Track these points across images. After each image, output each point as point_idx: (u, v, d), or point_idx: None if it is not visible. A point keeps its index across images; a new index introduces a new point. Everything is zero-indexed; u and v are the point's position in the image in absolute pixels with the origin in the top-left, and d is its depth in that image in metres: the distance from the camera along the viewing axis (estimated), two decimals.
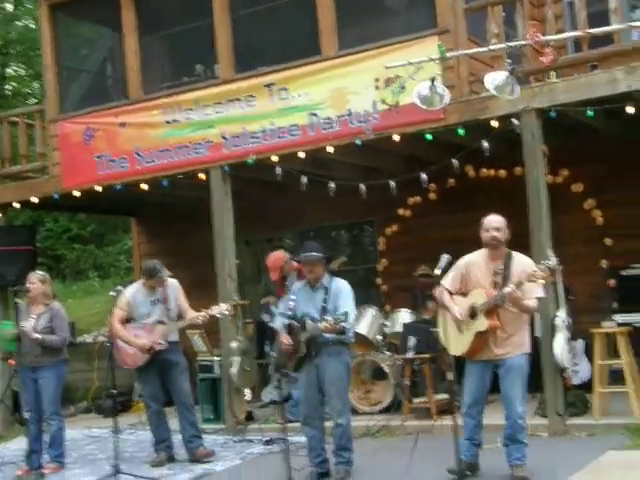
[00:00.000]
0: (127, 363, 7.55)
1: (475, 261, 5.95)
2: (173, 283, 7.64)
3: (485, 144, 7.59)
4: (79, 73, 11.09)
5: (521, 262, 5.85)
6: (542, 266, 5.59)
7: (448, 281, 6.03)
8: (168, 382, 7.54)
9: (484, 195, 9.72)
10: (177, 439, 7.64)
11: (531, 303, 5.79)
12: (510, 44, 5.22)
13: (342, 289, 6.40)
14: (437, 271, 5.71)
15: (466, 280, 5.92)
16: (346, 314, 6.05)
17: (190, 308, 7.57)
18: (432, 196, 9.96)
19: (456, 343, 5.88)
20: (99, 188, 9.50)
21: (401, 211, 10.27)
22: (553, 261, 6.98)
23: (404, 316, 8.82)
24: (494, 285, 5.82)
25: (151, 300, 7.49)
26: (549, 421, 7.17)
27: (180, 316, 7.57)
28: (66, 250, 19.04)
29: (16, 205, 10.29)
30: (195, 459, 7.37)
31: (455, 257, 9.68)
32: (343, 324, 6.05)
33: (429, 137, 7.99)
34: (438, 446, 6.42)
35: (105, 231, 19.53)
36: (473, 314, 5.81)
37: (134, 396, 11.08)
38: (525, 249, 6.42)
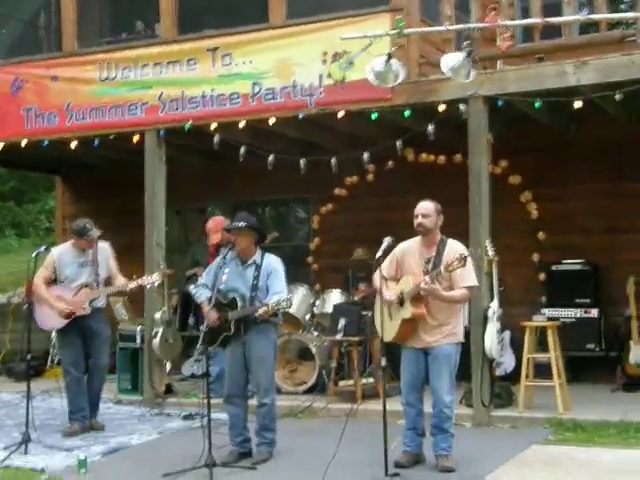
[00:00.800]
0: (46, 325, 7.27)
1: (410, 248, 5.84)
2: (104, 246, 7.34)
3: (430, 128, 7.46)
4: (10, 20, 10.51)
5: (453, 249, 5.71)
6: (457, 255, 5.44)
7: (385, 267, 5.90)
8: (89, 349, 7.25)
9: (422, 180, 9.66)
10: None
11: (456, 294, 5.65)
12: (469, 26, 5.05)
13: (274, 267, 6.17)
14: (378, 254, 5.55)
15: (400, 266, 5.81)
16: (288, 300, 5.87)
17: (119, 274, 7.29)
18: (370, 177, 9.80)
19: (386, 329, 5.75)
20: (24, 143, 9.03)
21: (337, 190, 10.10)
22: (490, 252, 7.00)
23: (335, 297, 8.67)
24: (425, 272, 5.70)
25: (79, 262, 7.18)
26: (474, 411, 7.13)
27: (108, 281, 7.26)
28: None
29: None
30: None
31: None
32: (283, 310, 5.90)
33: (374, 116, 7.82)
34: (362, 430, 6.30)
35: (26, 188, 18.81)
36: (401, 301, 5.69)
37: (48, 361, 10.72)
38: (462, 237, 6.30)
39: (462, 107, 7.22)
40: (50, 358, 10.74)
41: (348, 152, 8.60)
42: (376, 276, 5.89)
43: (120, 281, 7.20)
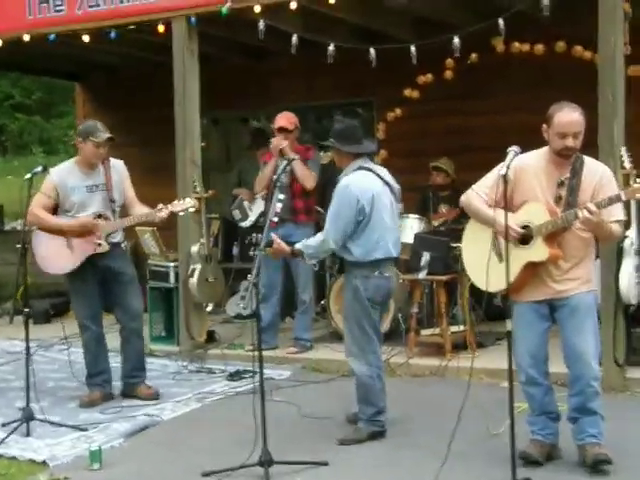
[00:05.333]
0: (53, 267, 5.68)
1: (530, 165, 4.15)
2: (118, 165, 5.73)
3: (546, 1, 5.65)
4: None
5: (595, 171, 4.13)
6: None
7: (483, 187, 4.26)
8: (111, 297, 5.74)
9: (513, 77, 7.97)
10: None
11: (615, 227, 4.11)
12: None
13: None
14: (502, 170, 3.84)
15: (513, 190, 4.10)
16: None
17: (137, 200, 5.72)
18: (448, 74, 7.98)
19: (494, 274, 3.97)
20: (27, 37, 7.37)
21: (408, 92, 8.26)
22: (628, 164, 5.34)
23: (412, 223, 6.93)
24: (558, 199, 4.09)
25: (87, 185, 5.57)
26: (604, 372, 5.43)
27: (124, 210, 5.69)
28: (8, 120, 16.75)
29: None
30: (133, 396, 5.70)
31: (468, 153, 8.07)
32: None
33: None
34: (457, 396, 4.61)
35: (53, 101, 17.17)
36: (525, 237, 4.08)
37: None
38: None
39: None
40: None
41: (418, 40, 6.84)
42: (468, 197, 4.30)
43: (140, 209, 5.62)
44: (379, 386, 4.75)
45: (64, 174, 5.61)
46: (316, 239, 4.77)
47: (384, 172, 4.96)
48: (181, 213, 5.72)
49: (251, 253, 8.14)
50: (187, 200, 5.66)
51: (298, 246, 4.76)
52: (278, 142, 6.60)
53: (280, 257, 5.10)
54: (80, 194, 5.55)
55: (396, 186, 4.99)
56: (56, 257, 5.60)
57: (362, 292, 4.69)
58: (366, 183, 4.74)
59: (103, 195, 5.60)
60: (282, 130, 6.69)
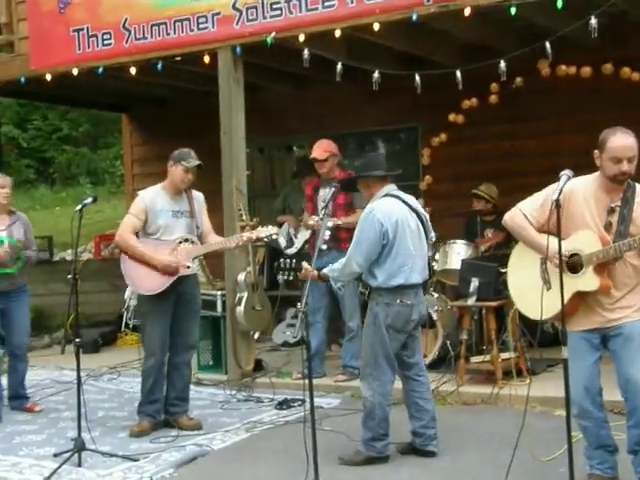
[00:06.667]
0: (144, 287, 5.59)
1: (581, 190, 3.99)
2: (198, 196, 5.81)
3: (593, 21, 5.59)
4: None
5: None
6: None
7: (530, 208, 4.10)
8: (176, 322, 5.66)
9: (560, 100, 7.89)
10: None
11: None
12: None
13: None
14: (554, 194, 3.75)
15: (564, 215, 3.92)
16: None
17: (212, 230, 5.83)
18: (493, 99, 7.94)
19: (542, 302, 3.83)
20: (76, 71, 7.50)
21: (452, 117, 8.27)
22: None
23: (459, 249, 6.88)
24: (608, 226, 3.95)
25: (174, 210, 5.62)
26: None
27: (200, 239, 5.72)
28: (56, 152, 17.06)
29: None
30: (176, 426, 5.63)
31: (515, 176, 7.98)
32: None
33: (513, 11, 5.96)
34: (509, 426, 4.51)
35: (100, 133, 17.48)
36: (574, 265, 3.96)
37: (122, 326, 9.38)
38: None
39: None
40: (124, 322, 9.42)
41: (466, 66, 6.82)
42: (514, 218, 4.16)
43: (214, 237, 5.71)
44: (379, 414, 4.71)
45: (153, 197, 5.64)
46: (340, 262, 4.81)
47: (412, 200, 4.93)
48: (265, 239, 5.76)
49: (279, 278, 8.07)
50: (270, 227, 5.68)
51: (325, 270, 4.85)
52: (306, 220, 6.76)
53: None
54: (166, 218, 5.59)
55: (425, 214, 4.94)
56: (147, 278, 5.56)
57: (382, 319, 4.69)
58: (390, 208, 4.73)
59: (188, 222, 5.66)
60: (315, 161, 6.73)
